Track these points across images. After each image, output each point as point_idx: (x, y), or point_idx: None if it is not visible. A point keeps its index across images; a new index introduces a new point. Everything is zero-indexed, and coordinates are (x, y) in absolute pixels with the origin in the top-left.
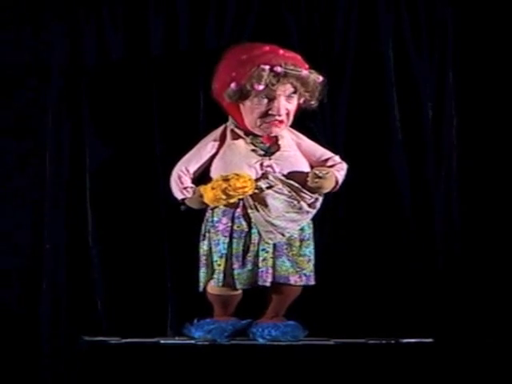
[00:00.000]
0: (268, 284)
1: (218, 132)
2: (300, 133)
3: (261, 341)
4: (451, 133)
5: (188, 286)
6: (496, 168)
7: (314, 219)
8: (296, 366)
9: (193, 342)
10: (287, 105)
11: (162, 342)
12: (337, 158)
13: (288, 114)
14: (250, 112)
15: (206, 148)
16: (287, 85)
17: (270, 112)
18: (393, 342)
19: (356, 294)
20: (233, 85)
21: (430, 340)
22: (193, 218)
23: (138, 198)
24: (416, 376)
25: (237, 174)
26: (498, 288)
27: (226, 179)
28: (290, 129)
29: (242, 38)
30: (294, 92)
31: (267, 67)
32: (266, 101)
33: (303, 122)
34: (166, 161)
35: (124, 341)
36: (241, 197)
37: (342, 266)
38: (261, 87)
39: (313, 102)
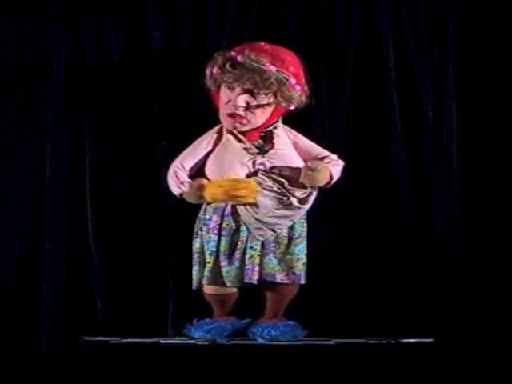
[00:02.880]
0: (254, 282)
1: (214, 130)
2: (299, 133)
3: (260, 340)
4: (451, 133)
5: (188, 285)
6: (496, 168)
7: (313, 218)
8: (296, 366)
9: (193, 341)
10: (250, 100)
11: (162, 341)
12: (334, 156)
13: (250, 110)
14: (220, 102)
15: (201, 145)
16: (246, 76)
17: (229, 103)
18: (393, 342)
19: (356, 294)
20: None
21: (430, 340)
22: (193, 218)
23: (138, 197)
24: (416, 376)
25: (242, 181)
26: (498, 288)
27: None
28: (288, 128)
29: (242, 38)
30: (259, 88)
31: (228, 53)
32: (228, 91)
33: (303, 122)
34: (166, 160)
35: (124, 341)
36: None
37: (342, 265)
38: (214, 70)
39: (284, 105)
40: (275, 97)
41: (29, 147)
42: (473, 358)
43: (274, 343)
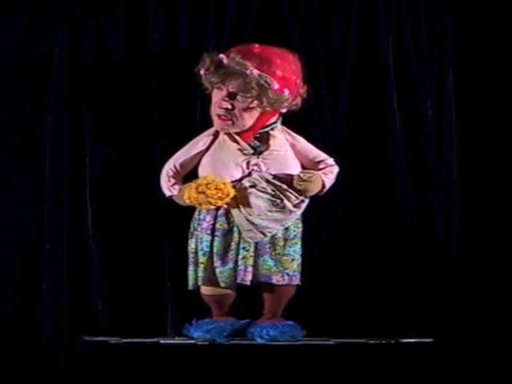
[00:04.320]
0: (247, 283)
1: (211, 130)
2: (299, 134)
3: (259, 340)
4: (451, 133)
5: (188, 286)
6: (496, 168)
7: (313, 218)
8: (296, 366)
9: (193, 341)
10: (234, 102)
11: (162, 342)
12: (329, 161)
13: (235, 112)
14: (212, 103)
15: (196, 145)
16: (229, 79)
17: (216, 103)
18: (393, 342)
19: (356, 294)
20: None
21: (430, 340)
22: (191, 218)
23: (138, 197)
24: (416, 376)
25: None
26: (498, 288)
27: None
28: (286, 129)
29: (241, 38)
30: (241, 91)
31: (216, 55)
32: (217, 92)
33: (302, 122)
34: (165, 160)
35: (124, 341)
36: (220, 202)
37: (342, 265)
38: (201, 72)
39: (269, 109)
40: (260, 101)
41: (29, 148)
42: (473, 357)
43: (274, 343)
